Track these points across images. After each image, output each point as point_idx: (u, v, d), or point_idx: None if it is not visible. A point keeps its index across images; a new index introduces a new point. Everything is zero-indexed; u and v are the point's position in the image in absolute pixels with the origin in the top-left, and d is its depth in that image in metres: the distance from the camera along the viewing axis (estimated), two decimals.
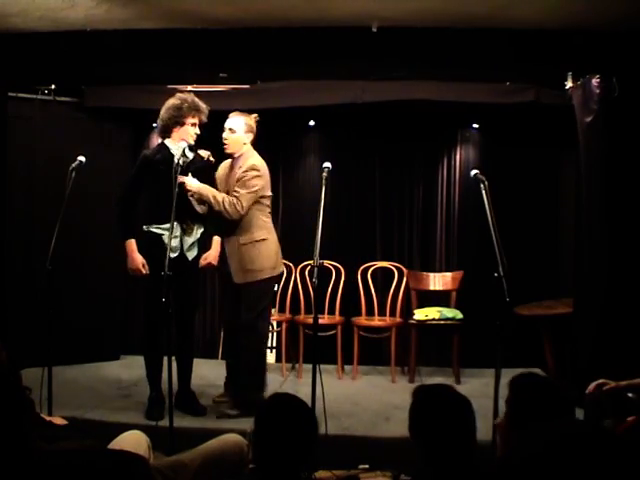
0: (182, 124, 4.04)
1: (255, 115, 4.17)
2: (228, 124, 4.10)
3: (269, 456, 1.85)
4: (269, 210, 4.20)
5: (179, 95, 4.11)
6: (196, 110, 4.06)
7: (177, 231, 3.99)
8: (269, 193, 4.17)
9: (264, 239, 4.12)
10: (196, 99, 4.10)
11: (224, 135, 4.09)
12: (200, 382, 4.59)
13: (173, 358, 3.66)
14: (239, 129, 4.08)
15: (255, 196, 4.03)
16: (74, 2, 4.11)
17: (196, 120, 4.07)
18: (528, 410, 1.89)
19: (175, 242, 3.98)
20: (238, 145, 4.10)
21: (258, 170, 4.04)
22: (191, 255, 4.09)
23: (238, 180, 4.02)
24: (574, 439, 1.36)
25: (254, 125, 4.14)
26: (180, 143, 3.97)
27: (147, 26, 4.53)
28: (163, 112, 4.07)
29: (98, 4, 4.14)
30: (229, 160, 4.23)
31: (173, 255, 3.91)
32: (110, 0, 4.10)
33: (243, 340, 4.09)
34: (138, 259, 3.99)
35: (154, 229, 3.99)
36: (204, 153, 4.14)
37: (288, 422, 1.88)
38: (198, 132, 4.09)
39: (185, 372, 4.18)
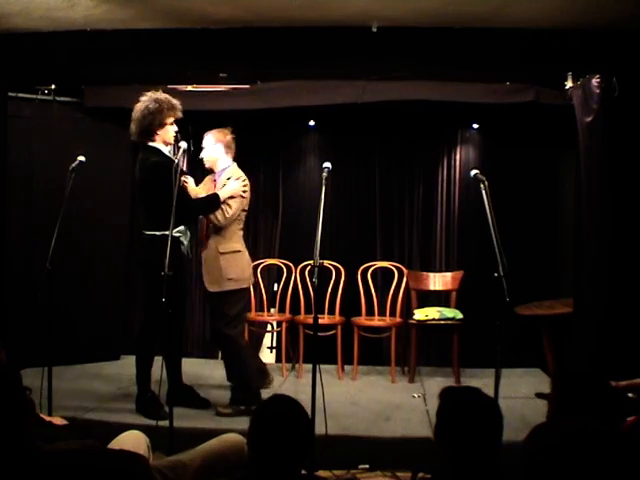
0: (163, 125, 4.01)
1: (227, 129, 4.26)
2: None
3: (264, 457, 1.85)
4: (242, 225, 4.30)
5: (152, 97, 4.02)
6: (174, 109, 4.05)
7: (185, 231, 4.08)
8: (247, 207, 4.29)
9: (240, 251, 4.22)
10: (169, 97, 4.08)
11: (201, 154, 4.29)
12: (200, 382, 4.59)
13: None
14: (208, 144, 4.24)
15: (242, 204, 4.16)
16: (74, 2, 4.10)
17: (173, 118, 4.07)
18: (576, 406, 1.90)
19: (186, 241, 4.09)
20: (211, 160, 4.25)
21: (245, 183, 4.20)
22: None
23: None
24: (586, 435, 1.37)
25: (225, 137, 4.22)
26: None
27: (147, 26, 4.52)
28: (141, 116, 3.98)
29: (98, 4, 4.13)
30: (210, 176, 4.35)
31: (185, 253, 4.09)
32: (110, 0, 4.10)
33: (220, 348, 4.43)
34: (235, 185, 4.12)
35: (175, 234, 3.88)
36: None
37: (283, 424, 1.88)
38: (176, 129, 4.09)
39: (178, 367, 4.25)
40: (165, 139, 4.05)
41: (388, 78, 4.77)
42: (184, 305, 4.39)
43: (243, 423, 3.81)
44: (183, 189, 3.99)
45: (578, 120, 4.36)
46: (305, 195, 5.80)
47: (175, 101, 4.08)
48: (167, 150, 4.08)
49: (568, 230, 4.99)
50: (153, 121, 3.98)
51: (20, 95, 5.08)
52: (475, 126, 5.69)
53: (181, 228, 4.00)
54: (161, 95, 4.05)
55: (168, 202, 3.80)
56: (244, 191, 4.16)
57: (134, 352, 4.26)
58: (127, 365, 5.24)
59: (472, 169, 3.85)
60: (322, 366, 3.46)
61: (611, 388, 2.07)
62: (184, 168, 4.86)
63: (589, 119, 4.25)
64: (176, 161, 3.82)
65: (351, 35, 4.50)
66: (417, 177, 5.79)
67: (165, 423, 3.48)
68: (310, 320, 4.71)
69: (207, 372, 5.02)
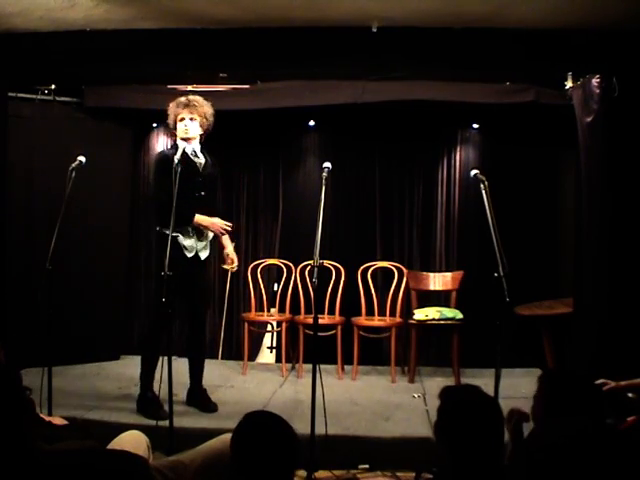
0: (174, 125, 4.15)
1: None
2: None
3: (249, 473, 1.83)
4: None
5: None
6: (175, 107, 4.13)
7: (191, 232, 4.08)
8: None
9: None
10: (180, 98, 4.16)
11: None
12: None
13: (174, 357, 3.67)
14: None
15: None
16: (74, 2, 4.10)
17: (176, 116, 4.11)
18: (560, 405, 1.91)
19: (190, 242, 4.08)
20: None
21: None
22: (204, 255, 4.19)
23: None
24: (585, 435, 1.37)
25: None
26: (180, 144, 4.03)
27: (147, 26, 4.52)
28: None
29: (98, 4, 4.13)
30: None
31: (189, 255, 4.08)
32: (110, 0, 4.10)
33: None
34: (217, 220, 4.11)
35: (174, 233, 3.90)
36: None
37: (262, 446, 1.84)
38: (186, 125, 4.08)
39: (197, 370, 4.26)
40: (179, 136, 4.13)
41: (388, 78, 4.77)
42: (201, 305, 4.32)
43: None
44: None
45: (578, 120, 4.36)
46: (305, 195, 5.79)
47: (180, 99, 4.15)
48: (187, 146, 4.08)
49: (568, 230, 4.98)
50: (170, 123, 4.20)
51: (20, 95, 5.07)
52: (475, 126, 5.69)
53: (188, 230, 4.04)
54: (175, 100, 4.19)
55: (152, 192, 3.87)
56: None
57: (138, 352, 4.26)
58: (127, 365, 5.26)
59: (472, 169, 3.86)
60: (322, 366, 3.46)
61: (597, 388, 2.08)
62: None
63: (589, 119, 4.25)
64: (176, 161, 3.82)
65: (351, 35, 4.50)
66: (417, 177, 5.78)
67: (165, 423, 3.48)
68: (310, 320, 4.72)
69: (207, 372, 5.00)
